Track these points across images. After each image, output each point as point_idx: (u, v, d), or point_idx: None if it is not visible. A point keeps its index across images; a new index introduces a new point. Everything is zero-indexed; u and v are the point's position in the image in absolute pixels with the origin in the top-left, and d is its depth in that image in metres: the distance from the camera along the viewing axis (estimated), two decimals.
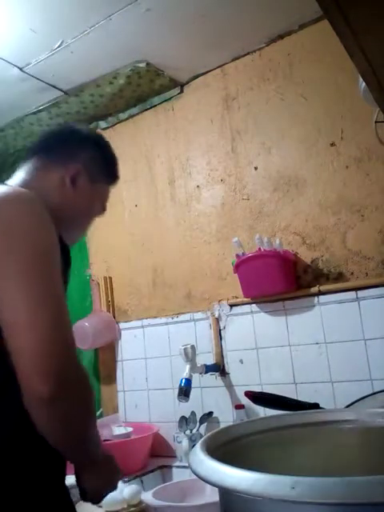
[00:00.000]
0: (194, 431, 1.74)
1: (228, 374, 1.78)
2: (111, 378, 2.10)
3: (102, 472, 0.89)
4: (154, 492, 1.34)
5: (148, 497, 1.31)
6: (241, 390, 1.67)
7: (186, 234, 1.99)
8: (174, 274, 2.00)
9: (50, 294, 0.74)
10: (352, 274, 1.60)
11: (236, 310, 1.79)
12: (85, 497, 0.91)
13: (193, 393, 1.63)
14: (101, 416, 2.04)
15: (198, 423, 1.75)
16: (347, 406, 1.22)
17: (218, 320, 1.82)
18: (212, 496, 1.31)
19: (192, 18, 1.66)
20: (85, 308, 2.16)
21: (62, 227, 0.88)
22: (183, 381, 1.62)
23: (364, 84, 1.15)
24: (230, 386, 1.77)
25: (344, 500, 0.35)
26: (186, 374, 1.64)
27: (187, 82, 2.06)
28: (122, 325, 2.10)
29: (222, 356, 1.79)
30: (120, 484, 1.42)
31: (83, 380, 0.77)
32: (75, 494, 0.91)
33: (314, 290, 1.62)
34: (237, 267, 1.71)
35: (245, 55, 1.91)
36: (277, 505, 0.39)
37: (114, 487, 0.94)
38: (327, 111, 1.70)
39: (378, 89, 0.89)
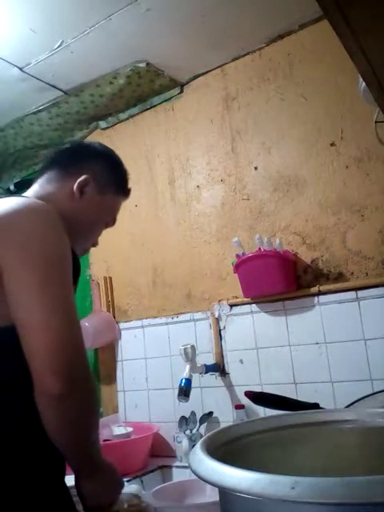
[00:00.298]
0: (194, 431, 1.74)
1: (228, 373, 1.78)
2: (111, 378, 2.10)
3: (104, 479, 0.88)
4: (154, 492, 1.34)
5: (148, 497, 1.31)
6: (241, 389, 1.67)
7: (186, 234, 1.99)
8: (173, 274, 2.00)
9: (62, 299, 0.79)
10: (352, 274, 1.60)
11: (236, 309, 1.79)
12: (86, 506, 0.89)
13: (193, 393, 1.63)
14: (101, 416, 2.04)
15: (197, 423, 1.75)
16: (347, 406, 1.22)
17: (217, 320, 1.82)
18: (212, 496, 1.31)
19: (192, 18, 1.66)
20: (85, 308, 2.16)
21: (72, 237, 0.91)
22: (183, 381, 1.62)
23: (364, 84, 1.15)
24: (229, 386, 1.77)
25: (344, 500, 0.35)
26: (185, 373, 1.64)
27: (187, 82, 2.06)
28: (122, 325, 2.10)
29: (222, 356, 1.79)
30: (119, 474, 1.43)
31: (91, 381, 0.83)
32: (75, 493, 0.90)
33: (314, 290, 1.62)
34: (237, 267, 1.71)
35: (245, 55, 1.91)
36: (277, 505, 0.39)
37: (115, 497, 0.92)
38: (327, 111, 1.70)
39: (378, 89, 0.89)
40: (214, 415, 1.77)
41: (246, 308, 1.76)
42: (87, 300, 2.19)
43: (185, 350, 1.69)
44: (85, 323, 2.01)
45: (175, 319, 1.94)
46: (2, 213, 0.83)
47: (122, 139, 2.22)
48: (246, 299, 1.75)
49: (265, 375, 1.69)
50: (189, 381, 1.62)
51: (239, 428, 0.68)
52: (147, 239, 2.10)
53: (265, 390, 1.54)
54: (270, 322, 1.71)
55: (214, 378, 1.80)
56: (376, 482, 0.35)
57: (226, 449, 0.61)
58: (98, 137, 2.28)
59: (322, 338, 1.60)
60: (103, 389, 2.12)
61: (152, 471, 1.72)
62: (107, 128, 2.27)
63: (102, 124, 2.26)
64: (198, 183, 1.99)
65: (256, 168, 1.84)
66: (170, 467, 1.75)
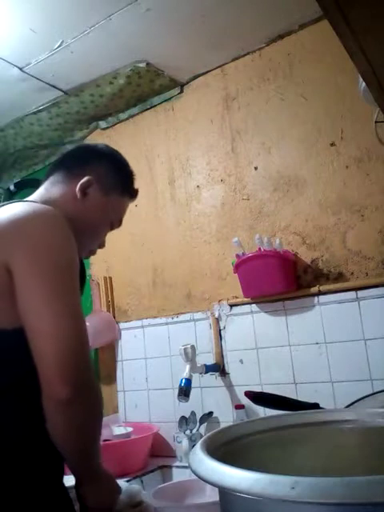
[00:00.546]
0: (194, 431, 1.74)
1: (228, 373, 1.78)
2: (111, 378, 2.10)
3: (104, 487, 0.90)
4: (154, 492, 1.34)
5: (148, 497, 1.31)
6: (241, 389, 1.67)
7: (186, 234, 1.99)
8: (173, 274, 2.00)
9: (72, 306, 0.81)
10: (352, 274, 1.60)
11: (236, 309, 1.79)
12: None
13: (193, 393, 1.62)
14: None
15: (197, 423, 1.75)
16: (347, 406, 1.22)
17: (217, 320, 1.82)
18: (212, 496, 1.31)
19: (192, 18, 1.66)
20: (85, 308, 2.14)
21: (77, 239, 0.91)
22: (183, 381, 1.62)
23: (364, 84, 1.15)
24: (229, 386, 1.77)
25: (344, 500, 0.35)
26: (185, 373, 1.64)
27: (187, 82, 2.06)
28: (122, 325, 2.10)
29: (222, 356, 1.79)
30: (119, 483, 1.42)
31: (96, 387, 0.85)
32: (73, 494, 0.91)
33: (314, 290, 1.62)
34: (237, 267, 1.71)
35: (245, 55, 1.91)
36: (277, 505, 0.39)
37: (115, 502, 0.92)
38: (327, 111, 1.70)
39: (378, 89, 0.89)
40: (214, 415, 1.77)
41: (246, 308, 1.76)
42: (87, 300, 2.19)
43: (185, 350, 1.69)
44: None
45: (175, 319, 1.94)
46: (11, 218, 0.84)
47: (122, 139, 2.22)
48: (245, 299, 1.75)
49: (265, 375, 1.69)
50: (189, 381, 1.62)
51: (239, 428, 0.68)
52: (147, 239, 2.10)
53: (265, 390, 1.54)
54: (270, 322, 1.71)
55: (214, 378, 1.80)
56: (376, 481, 0.35)
57: (226, 449, 0.61)
58: (98, 137, 2.28)
59: (322, 338, 1.60)
60: (103, 389, 2.12)
61: (152, 471, 1.72)
62: (107, 128, 2.27)
63: (102, 124, 2.26)
64: (198, 183, 1.99)
65: (256, 168, 1.84)
66: (170, 467, 1.75)
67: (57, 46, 1.73)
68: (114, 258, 2.18)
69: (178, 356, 1.74)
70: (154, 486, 1.41)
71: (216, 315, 1.82)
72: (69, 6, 1.54)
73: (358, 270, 1.59)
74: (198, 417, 1.76)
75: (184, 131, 2.05)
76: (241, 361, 1.76)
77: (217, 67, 1.98)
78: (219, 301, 1.83)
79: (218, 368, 1.77)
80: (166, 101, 2.11)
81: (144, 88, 2.04)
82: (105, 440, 1.76)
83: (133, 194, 1.15)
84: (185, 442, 1.70)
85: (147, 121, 2.17)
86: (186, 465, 1.64)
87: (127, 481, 1.53)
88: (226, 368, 1.78)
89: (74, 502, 0.90)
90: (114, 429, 1.85)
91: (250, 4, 1.62)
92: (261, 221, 1.80)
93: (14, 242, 0.81)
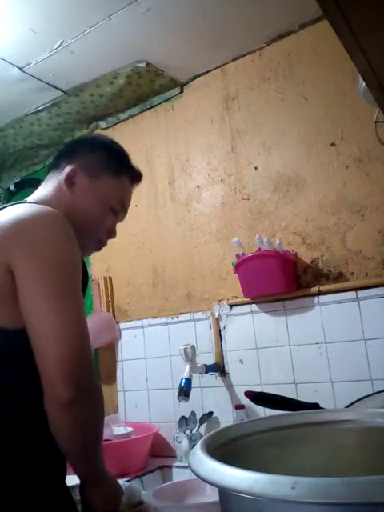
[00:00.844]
0: (194, 431, 1.74)
1: (228, 373, 1.78)
2: (111, 378, 2.10)
3: (109, 489, 0.90)
4: (154, 492, 1.34)
5: (148, 497, 1.31)
6: (241, 389, 1.67)
7: (185, 234, 1.99)
8: (173, 274, 2.00)
9: (75, 309, 0.81)
10: (352, 274, 1.60)
11: (236, 309, 1.79)
12: None
13: (193, 393, 1.62)
14: None
15: (197, 423, 1.75)
16: (347, 406, 1.22)
17: (217, 320, 1.82)
18: (212, 496, 1.31)
19: (192, 18, 1.66)
20: (85, 308, 2.15)
21: (78, 234, 0.90)
22: (183, 381, 1.62)
23: (364, 84, 1.15)
24: (229, 386, 1.77)
25: (344, 500, 0.35)
26: (185, 373, 1.64)
27: (187, 82, 2.06)
28: (122, 325, 2.10)
29: (222, 356, 1.79)
30: (119, 483, 1.42)
31: (98, 388, 0.85)
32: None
33: (314, 290, 1.62)
34: (237, 267, 1.71)
35: (245, 55, 1.91)
36: (277, 505, 0.39)
37: (119, 504, 0.93)
38: (327, 111, 1.70)
39: (378, 89, 0.89)
40: (214, 415, 1.77)
41: (246, 308, 1.76)
42: (87, 300, 2.19)
43: (185, 350, 1.69)
44: None
45: (175, 319, 1.94)
46: (12, 220, 0.84)
47: (122, 139, 2.19)
48: (245, 299, 1.75)
49: (265, 375, 1.69)
50: (189, 381, 1.62)
51: (239, 428, 0.68)
52: (147, 239, 2.10)
53: (265, 390, 1.54)
54: (270, 322, 1.71)
55: (214, 378, 1.80)
56: (376, 481, 0.35)
57: (226, 449, 0.61)
58: None
59: (322, 338, 1.60)
60: (103, 389, 2.12)
61: (152, 471, 1.72)
62: (107, 128, 2.27)
63: (102, 124, 2.26)
64: (198, 183, 1.99)
65: (256, 168, 1.84)
66: (170, 467, 1.75)
67: (57, 46, 1.73)
68: (114, 258, 2.18)
69: (178, 356, 1.74)
70: (154, 486, 1.41)
71: (216, 315, 1.82)
72: (69, 6, 1.54)
73: (358, 270, 1.59)
74: (198, 417, 1.76)
75: (184, 131, 2.05)
76: (241, 361, 1.76)
77: (217, 67, 1.98)
78: (219, 301, 1.83)
79: (218, 368, 1.77)
80: (166, 101, 2.11)
81: (144, 88, 2.04)
82: (105, 440, 1.76)
83: (130, 173, 1.10)
84: (185, 442, 1.70)
85: (147, 121, 2.17)
86: (186, 465, 1.64)
87: (127, 481, 1.54)
88: (226, 368, 1.78)
89: (77, 503, 0.90)
90: (114, 429, 1.85)
91: (250, 4, 1.62)
92: (261, 221, 1.80)
93: (15, 243, 0.81)
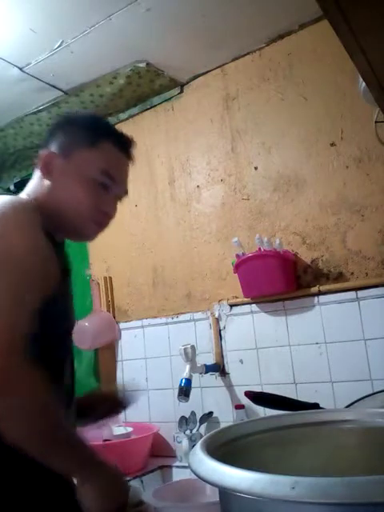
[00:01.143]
0: (194, 431, 1.74)
1: (228, 373, 1.78)
2: (111, 378, 2.10)
3: (102, 485, 0.79)
4: (154, 492, 1.34)
5: (148, 497, 1.31)
6: (241, 389, 1.67)
7: (185, 234, 1.99)
8: (173, 274, 2.00)
9: (8, 302, 0.75)
10: (352, 274, 1.60)
11: (236, 309, 1.79)
12: None
13: (193, 393, 1.62)
14: None
15: (198, 423, 1.75)
16: (347, 406, 1.22)
17: (217, 320, 1.82)
18: (212, 496, 1.31)
19: (192, 18, 1.66)
20: (85, 308, 2.16)
21: (69, 222, 0.89)
22: (183, 381, 1.62)
23: (364, 84, 1.15)
24: (229, 386, 1.77)
25: (344, 500, 0.35)
26: (185, 373, 1.64)
27: (187, 82, 2.06)
28: (122, 325, 2.10)
29: (222, 356, 1.79)
30: (125, 479, 1.42)
31: (31, 383, 0.74)
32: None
33: (314, 290, 1.62)
34: (237, 267, 1.71)
35: (245, 55, 1.91)
36: (277, 505, 0.39)
37: (121, 501, 0.82)
38: (327, 111, 1.70)
39: (378, 89, 0.89)
40: (214, 415, 1.77)
41: (246, 308, 1.76)
42: (87, 300, 2.19)
43: (185, 350, 1.69)
44: (85, 323, 2.01)
45: (175, 319, 1.94)
46: None
47: None
48: (245, 299, 1.75)
49: (265, 375, 1.69)
50: (189, 381, 1.62)
51: (239, 428, 0.68)
52: (147, 239, 2.10)
53: (265, 390, 1.54)
54: (270, 322, 1.71)
55: (214, 378, 1.80)
56: (376, 481, 0.35)
57: (226, 449, 0.61)
58: None
59: (322, 338, 1.60)
60: (103, 389, 2.12)
61: (152, 471, 1.72)
62: None
63: None
64: (198, 183, 1.99)
65: (256, 168, 1.84)
66: (170, 467, 1.75)
67: (57, 46, 1.73)
68: (114, 258, 2.18)
69: (178, 356, 1.74)
70: (154, 486, 1.41)
71: (216, 315, 1.82)
72: (69, 5, 1.54)
73: (358, 270, 1.59)
74: (198, 417, 1.76)
75: (184, 131, 2.05)
76: (241, 361, 1.76)
77: (217, 67, 1.98)
78: (219, 301, 1.83)
79: (218, 368, 1.77)
80: (166, 101, 2.11)
81: (144, 88, 2.04)
82: (105, 440, 1.76)
83: (112, 138, 0.99)
84: (185, 442, 1.70)
85: (147, 121, 2.17)
86: (186, 465, 1.64)
87: (127, 481, 1.53)
88: (226, 368, 1.78)
89: None
90: (114, 429, 1.85)
91: (250, 4, 1.62)
92: (261, 221, 1.80)
93: None
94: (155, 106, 2.14)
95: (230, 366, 1.78)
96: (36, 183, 0.95)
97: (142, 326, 2.03)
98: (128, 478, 1.57)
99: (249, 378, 1.72)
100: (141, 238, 2.12)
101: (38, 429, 0.74)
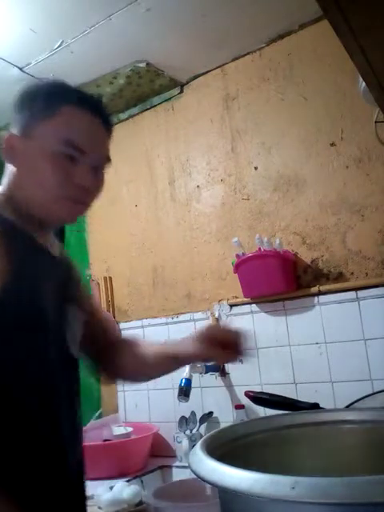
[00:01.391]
0: (194, 431, 1.74)
1: (228, 373, 1.78)
2: None
3: None
4: (154, 492, 1.34)
5: (148, 497, 1.31)
6: (241, 390, 1.67)
7: (185, 234, 1.99)
8: (173, 274, 2.00)
9: None
10: (352, 274, 1.60)
11: (236, 309, 1.79)
12: None
13: (193, 393, 1.62)
14: (101, 416, 2.04)
15: (198, 423, 1.75)
16: (347, 406, 1.22)
17: (217, 320, 1.82)
18: (212, 496, 1.31)
19: (192, 17, 1.66)
20: None
21: (35, 212, 0.82)
22: (183, 381, 1.62)
23: (364, 84, 1.15)
24: (229, 386, 1.77)
25: (344, 500, 0.35)
26: (185, 373, 1.64)
27: (187, 82, 2.06)
28: (122, 325, 2.10)
29: None
30: (120, 484, 1.42)
31: None
32: None
33: (314, 290, 1.62)
34: (237, 267, 1.71)
35: (245, 55, 1.91)
36: (277, 505, 0.39)
37: None
38: (327, 111, 1.70)
39: (378, 89, 0.89)
40: (214, 415, 1.77)
41: (246, 308, 1.76)
42: None
43: None
44: None
45: (175, 319, 1.94)
46: None
47: (122, 139, 2.22)
48: (245, 299, 1.75)
49: (265, 375, 1.69)
50: (189, 381, 1.62)
51: (239, 428, 0.68)
52: (147, 239, 2.10)
53: (265, 390, 1.54)
54: (270, 322, 1.71)
55: (214, 378, 1.80)
56: (376, 481, 0.35)
57: (226, 449, 0.61)
58: None
59: (322, 338, 1.60)
60: (103, 389, 2.12)
61: (152, 471, 1.72)
62: None
63: None
64: (198, 183, 1.99)
65: (256, 168, 1.84)
66: (170, 467, 1.75)
67: (57, 46, 1.73)
68: (114, 258, 2.18)
69: None
70: (154, 486, 1.41)
71: (216, 315, 1.82)
72: (69, 6, 1.54)
73: (358, 270, 1.59)
74: (198, 417, 1.76)
75: (184, 131, 2.05)
76: (241, 361, 1.75)
77: (217, 67, 1.98)
78: (219, 301, 1.83)
79: (218, 368, 1.77)
80: (166, 101, 2.11)
81: (144, 88, 2.04)
82: (105, 440, 1.76)
83: (70, 99, 0.84)
84: (185, 442, 1.70)
85: (147, 121, 2.17)
86: (186, 465, 1.64)
87: (127, 481, 1.54)
88: (226, 368, 1.78)
89: None
90: (114, 429, 1.85)
91: (250, 4, 1.62)
92: (261, 221, 1.80)
93: None
94: (155, 105, 2.14)
95: (230, 365, 1.78)
96: (6, 173, 0.85)
97: (142, 326, 2.03)
98: (128, 478, 1.58)
99: (249, 378, 1.72)
100: (141, 238, 2.12)
101: None
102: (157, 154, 2.12)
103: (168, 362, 0.95)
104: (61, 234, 2.04)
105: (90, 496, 1.20)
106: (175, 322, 1.94)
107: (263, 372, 1.70)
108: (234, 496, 0.45)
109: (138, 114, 2.19)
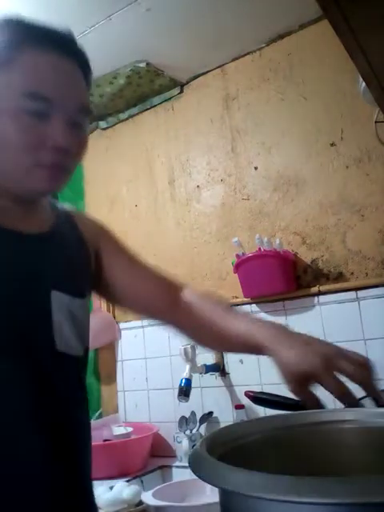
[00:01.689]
0: (194, 431, 1.74)
1: (228, 373, 1.78)
2: (111, 378, 2.10)
3: None
4: (154, 492, 1.34)
5: (148, 497, 1.31)
6: (241, 390, 1.67)
7: (185, 234, 1.99)
8: (173, 273, 1.99)
9: None
10: (352, 274, 1.60)
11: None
12: None
13: (193, 393, 1.62)
14: (101, 416, 2.04)
15: (197, 423, 1.75)
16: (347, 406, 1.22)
17: None
18: (212, 496, 1.31)
19: (192, 18, 1.66)
20: None
21: (8, 185, 0.69)
22: (183, 381, 1.62)
23: (364, 84, 1.15)
24: (229, 386, 1.77)
25: (344, 500, 0.35)
26: (185, 373, 1.64)
27: (187, 82, 2.06)
28: (122, 325, 2.10)
29: (222, 356, 1.79)
30: (120, 484, 1.42)
31: None
32: None
33: (314, 290, 1.62)
34: (237, 267, 1.71)
35: (245, 55, 1.91)
36: (277, 505, 0.39)
37: None
38: (327, 111, 1.70)
39: (378, 89, 0.89)
40: (214, 415, 1.77)
41: (246, 308, 1.76)
42: None
43: (185, 350, 1.69)
44: None
45: None
46: None
47: (122, 139, 2.22)
48: (246, 299, 1.75)
49: (265, 375, 1.69)
50: (189, 381, 1.62)
51: (239, 428, 0.68)
52: (147, 239, 2.10)
53: (265, 390, 1.53)
54: None
55: (214, 378, 1.80)
56: (376, 482, 0.35)
57: (226, 449, 0.61)
58: (98, 137, 2.28)
59: (322, 338, 1.59)
60: (103, 389, 2.12)
61: (152, 471, 1.72)
62: (107, 128, 2.27)
63: (102, 124, 2.26)
64: (198, 183, 1.99)
65: (256, 168, 1.84)
66: (170, 467, 1.75)
67: None
68: None
69: (177, 356, 1.74)
70: (154, 486, 1.41)
71: None
72: (68, 6, 1.54)
73: (358, 270, 1.59)
74: (198, 417, 1.76)
75: (184, 131, 2.05)
76: (241, 361, 1.76)
77: (217, 67, 1.98)
78: None
79: (218, 368, 1.77)
80: (166, 101, 2.11)
81: (144, 88, 2.04)
82: (105, 440, 1.76)
83: (33, 39, 0.67)
84: (185, 442, 1.70)
85: (147, 121, 2.17)
86: (186, 465, 1.64)
87: (127, 481, 1.54)
88: (226, 368, 1.78)
89: None
90: (114, 429, 1.85)
91: (250, 4, 1.62)
92: (261, 221, 1.80)
93: None
94: (155, 105, 2.14)
95: (230, 365, 1.78)
96: None
97: (142, 326, 2.03)
98: (128, 478, 1.58)
99: (249, 378, 1.72)
100: (141, 238, 2.12)
101: None
102: (157, 154, 2.12)
103: (248, 350, 0.86)
104: None
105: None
106: None
107: (263, 372, 1.70)
108: (234, 496, 0.45)
109: (137, 113, 2.19)
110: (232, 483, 0.42)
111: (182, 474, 1.67)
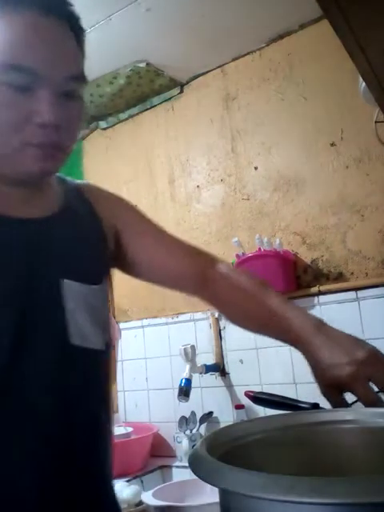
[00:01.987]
0: (194, 431, 1.74)
1: (228, 373, 1.78)
2: (111, 378, 2.09)
3: None
4: (154, 492, 1.34)
5: (148, 497, 1.31)
6: (241, 390, 1.67)
7: (186, 234, 1.99)
8: None
9: None
10: (352, 274, 1.60)
11: None
12: None
13: (193, 393, 1.62)
14: None
15: (197, 423, 1.75)
16: (347, 406, 1.22)
17: (217, 320, 1.82)
18: (212, 496, 1.31)
19: (192, 17, 1.66)
20: None
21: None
22: (183, 381, 1.62)
23: (364, 84, 1.15)
24: (229, 386, 1.77)
25: (344, 500, 0.35)
26: (185, 373, 1.64)
27: (187, 82, 2.06)
28: (122, 325, 2.10)
29: (222, 356, 1.79)
30: (120, 484, 1.42)
31: None
32: None
33: (314, 290, 1.62)
34: (237, 267, 1.71)
35: (245, 55, 1.91)
36: (277, 505, 0.39)
37: None
38: (327, 111, 1.70)
39: (378, 89, 0.89)
40: (214, 415, 1.77)
41: None
42: None
43: (185, 350, 1.69)
44: None
45: (175, 319, 1.94)
46: None
47: (122, 139, 2.22)
48: None
49: (265, 375, 1.69)
50: (189, 381, 1.62)
51: (239, 428, 0.68)
52: None
53: (265, 390, 1.53)
54: None
55: (214, 378, 1.80)
56: (376, 482, 0.35)
57: (226, 449, 0.61)
58: (98, 137, 2.28)
59: None
60: None
61: (152, 471, 1.72)
62: (107, 128, 2.27)
63: (102, 124, 2.26)
64: (198, 183, 1.99)
65: (256, 168, 1.84)
66: (170, 467, 1.75)
67: None
68: None
69: (177, 356, 1.74)
70: (154, 486, 1.41)
71: (216, 315, 1.82)
72: None
73: (358, 270, 1.59)
74: (198, 417, 1.76)
75: (184, 131, 2.05)
76: (241, 361, 1.76)
77: (217, 67, 1.98)
78: None
79: (218, 368, 1.77)
80: (166, 101, 2.11)
81: (144, 88, 2.04)
82: None
83: (11, 2, 0.58)
84: (185, 442, 1.70)
85: (147, 121, 2.17)
86: (186, 465, 1.64)
87: (127, 481, 1.54)
88: (226, 368, 1.78)
89: None
90: (114, 429, 1.85)
91: (250, 4, 1.62)
92: (261, 221, 1.80)
93: None
94: (155, 105, 2.14)
95: (230, 366, 1.78)
96: None
97: (142, 326, 2.03)
98: (128, 478, 1.58)
99: (249, 378, 1.72)
100: None
101: None
102: (157, 154, 2.12)
103: (280, 335, 0.81)
104: None
105: None
106: (175, 322, 1.94)
107: (263, 372, 1.70)
108: (234, 496, 0.45)
109: (137, 113, 2.19)
110: (232, 483, 0.42)
111: (182, 474, 1.67)
